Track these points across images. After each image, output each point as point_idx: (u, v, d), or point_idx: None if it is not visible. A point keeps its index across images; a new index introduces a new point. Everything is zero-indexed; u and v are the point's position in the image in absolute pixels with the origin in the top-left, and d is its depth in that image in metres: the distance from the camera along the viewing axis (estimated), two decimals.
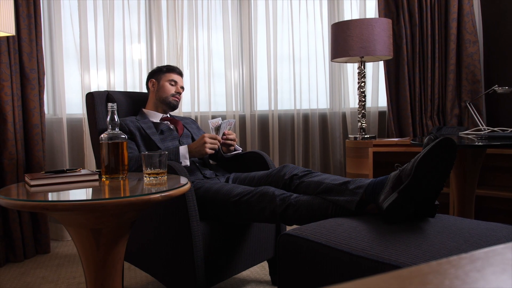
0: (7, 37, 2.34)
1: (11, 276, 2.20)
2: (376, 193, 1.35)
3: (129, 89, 2.94)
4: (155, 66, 3.05)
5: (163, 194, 1.13)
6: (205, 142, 1.80)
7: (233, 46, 3.15)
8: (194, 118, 3.04)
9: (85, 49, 2.81)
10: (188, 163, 1.83)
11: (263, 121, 3.26)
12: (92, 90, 2.52)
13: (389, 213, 1.25)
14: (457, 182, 1.85)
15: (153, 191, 1.16)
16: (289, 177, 1.64)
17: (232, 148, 2.00)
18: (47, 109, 2.84)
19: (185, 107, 3.08)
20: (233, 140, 1.96)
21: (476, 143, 1.64)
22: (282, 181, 1.66)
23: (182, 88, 2.20)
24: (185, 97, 3.07)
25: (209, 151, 1.81)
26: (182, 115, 2.93)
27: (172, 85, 2.15)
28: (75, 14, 2.81)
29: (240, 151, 2.09)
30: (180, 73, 2.21)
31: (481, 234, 1.15)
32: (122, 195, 1.18)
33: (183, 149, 1.83)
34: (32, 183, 1.27)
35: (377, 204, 1.32)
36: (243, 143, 3.19)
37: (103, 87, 2.88)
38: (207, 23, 3.10)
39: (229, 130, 1.94)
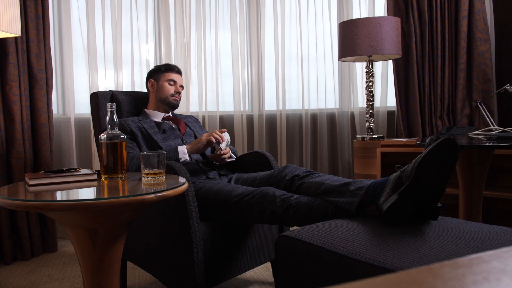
0: (15, 38, 2.37)
1: (18, 274, 2.22)
2: (377, 194, 1.32)
3: (137, 89, 2.95)
4: None
5: (158, 195, 1.12)
6: (203, 136, 1.85)
7: (241, 45, 3.14)
8: (201, 118, 3.04)
9: (93, 49, 2.82)
10: (187, 157, 1.85)
11: (271, 121, 3.24)
12: (100, 90, 2.53)
13: (389, 215, 1.22)
14: (464, 184, 1.81)
15: (149, 191, 1.15)
16: (291, 178, 1.62)
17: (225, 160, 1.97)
18: (56, 109, 2.87)
19: (192, 107, 3.08)
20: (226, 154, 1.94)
21: (483, 144, 1.60)
22: (283, 181, 1.64)
23: (182, 86, 2.17)
24: (193, 96, 3.07)
25: (206, 138, 1.82)
26: (190, 114, 2.92)
27: (171, 84, 2.12)
28: (83, 14, 2.83)
29: (234, 159, 2.06)
30: (179, 72, 2.18)
31: (484, 238, 1.12)
32: (118, 195, 1.17)
33: (181, 147, 1.86)
34: (31, 182, 1.27)
35: (378, 206, 1.30)
36: (250, 143, 3.18)
37: (111, 87, 2.90)
38: (215, 22, 3.10)
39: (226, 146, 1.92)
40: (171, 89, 2.12)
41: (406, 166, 1.26)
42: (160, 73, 2.15)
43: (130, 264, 2.25)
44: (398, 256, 1.00)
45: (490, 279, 0.43)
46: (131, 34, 2.92)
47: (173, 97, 2.12)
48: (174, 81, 2.13)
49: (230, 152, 1.96)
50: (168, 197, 1.16)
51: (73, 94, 2.79)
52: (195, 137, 2.08)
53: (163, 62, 3.03)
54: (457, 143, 1.17)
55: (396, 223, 1.22)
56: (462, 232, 1.16)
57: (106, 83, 2.91)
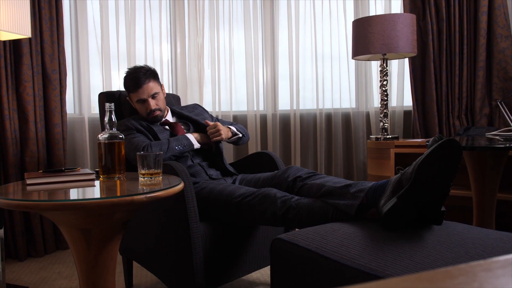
0: (29, 39, 2.41)
1: (30, 270, 2.26)
2: (377, 197, 1.28)
3: None
4: (178, 66, 3.07)
5: (148, 195, 1.11)
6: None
7: (255, 44, 3.11)
8: (215, 118, 3.01)
9: (107, 49, 2.85)
10: (198, 145, 1.92)
11: (285, 121, 3.21)
12: (109, 90, 2.55)
13: (388, 219, 1.18)
14: (476, 187, 1.74)
15: (142, 191, 1.14)
16: (293, 179, 1.59)
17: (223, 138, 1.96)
18: (72, 108, 2.90)
19: (206, 107, 3.05)
20: (216, 131, 1.93)
21: (495, 145, 1.52)
22: (285, 183, 1.61)
23: (154, 95, 1.93)
24: (207, 96, 3.07)
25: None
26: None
27: (142, 103, 1.93)
28: (97, 15, 2.86)
29: (239, 135, 2.05)
30: (144, 81, 1.91)
31: (487, 245, 1.06)
32: (111, 195, 1.17)
33: (189, 136, 1.91)
34: (28, 182, 1.28)
35: (377, 209, 1.25)
36: (264, 143, 3.15)
37: None
38: (228, 22, 3.08)
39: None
40: (143, 110, 1.94)
41: (407, 168, 1.21)
42: (129, 93, 1.98)
43: (136, 264, 2.26)
44: (391, 263, 0.95)
45: None
46: (144, 34, 2.94)
47: (151, 116, 1.94)
48: (143, 100, 1.92)
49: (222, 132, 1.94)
50: (159, 197, 1.14)
51: (88, 94, 2.83)
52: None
53: (179, 62, 3.03)
54: (459, 144, 1.12)
55: (395, 227, 1.18)
56: (464, 238, 1.11)
57: (120, 84, 2.93)
